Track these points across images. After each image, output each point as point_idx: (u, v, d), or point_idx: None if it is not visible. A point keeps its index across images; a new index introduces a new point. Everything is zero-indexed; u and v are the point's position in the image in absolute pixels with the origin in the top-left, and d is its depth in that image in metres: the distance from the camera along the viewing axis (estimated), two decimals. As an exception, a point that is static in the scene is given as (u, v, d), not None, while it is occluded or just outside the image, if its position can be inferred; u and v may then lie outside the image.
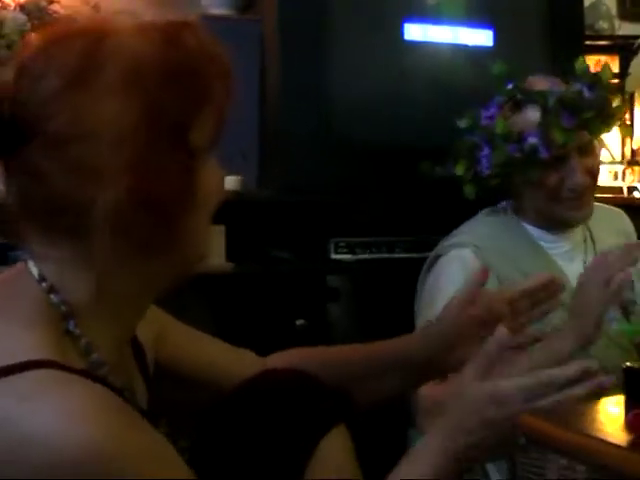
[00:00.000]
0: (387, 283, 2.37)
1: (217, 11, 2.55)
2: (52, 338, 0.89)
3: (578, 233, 1.86)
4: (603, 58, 3.01)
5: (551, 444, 0.90)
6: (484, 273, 1.35)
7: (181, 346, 1.21)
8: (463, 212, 1.94)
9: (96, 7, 2.19)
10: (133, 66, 0.90)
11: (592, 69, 2.99)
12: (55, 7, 2.25)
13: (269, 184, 2.41)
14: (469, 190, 1.85)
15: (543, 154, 1.71)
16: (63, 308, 0.92)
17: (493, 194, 1.90)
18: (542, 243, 1.82)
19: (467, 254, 1.77)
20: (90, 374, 0.90)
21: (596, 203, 1.87)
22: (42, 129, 0.88)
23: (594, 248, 1.86)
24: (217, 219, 2.23)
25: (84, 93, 0.89)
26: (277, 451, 1.09)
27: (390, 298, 2.29)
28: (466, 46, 2.47)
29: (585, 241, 1.86)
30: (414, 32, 2.40)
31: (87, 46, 0.91)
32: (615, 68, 2.99)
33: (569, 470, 0.89)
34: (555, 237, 1.83)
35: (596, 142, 1.84)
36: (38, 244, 0.92)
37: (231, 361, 1.25)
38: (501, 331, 1.09)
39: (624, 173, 3.21)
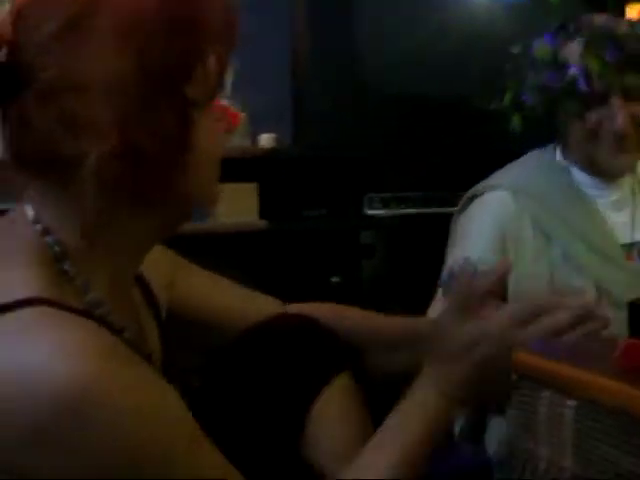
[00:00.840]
0: (421, 238, 2.35)
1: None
2: (48, 277, 0.89)
3: (626, 183, 1.79)
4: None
5: (542, 378, 0.90)
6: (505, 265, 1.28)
7: (196, 289, 1.20)
8: (499, 165, 1.91)
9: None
10: (130, 13, 0.88)
11: None
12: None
13: (303, 142, 2.42)
14: (516, 121, 1.75)
15: (582, 86, 1.64)
16: (57, 249, 0.92)
17: (541, 130, 1.82)
18: (588, 190, 1.72)
19: (503, 197, 1.68)
20: (87, 313, 0.91)
21: None
22: (35, 77, 0.87)
23: None
24: (250, 177, 2.28)
25: (78, 41, 0.87)
26: (281, 392, 1.10)
27: (424, 253, 2.28)
28: (501, -1, 2.44)
29: (633, 193, 1.79)
30: (447, -16, 2.38)
31: None
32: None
33: (560, 405, 0.88)
34: (603, 185, 1.71)
35: None
36: (33, 189, 0.93)
37: (249, 306, 1.23)
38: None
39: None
